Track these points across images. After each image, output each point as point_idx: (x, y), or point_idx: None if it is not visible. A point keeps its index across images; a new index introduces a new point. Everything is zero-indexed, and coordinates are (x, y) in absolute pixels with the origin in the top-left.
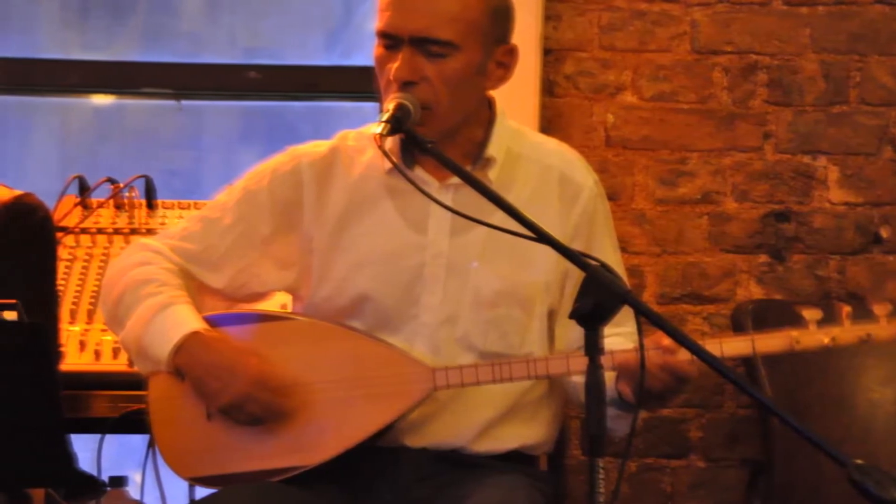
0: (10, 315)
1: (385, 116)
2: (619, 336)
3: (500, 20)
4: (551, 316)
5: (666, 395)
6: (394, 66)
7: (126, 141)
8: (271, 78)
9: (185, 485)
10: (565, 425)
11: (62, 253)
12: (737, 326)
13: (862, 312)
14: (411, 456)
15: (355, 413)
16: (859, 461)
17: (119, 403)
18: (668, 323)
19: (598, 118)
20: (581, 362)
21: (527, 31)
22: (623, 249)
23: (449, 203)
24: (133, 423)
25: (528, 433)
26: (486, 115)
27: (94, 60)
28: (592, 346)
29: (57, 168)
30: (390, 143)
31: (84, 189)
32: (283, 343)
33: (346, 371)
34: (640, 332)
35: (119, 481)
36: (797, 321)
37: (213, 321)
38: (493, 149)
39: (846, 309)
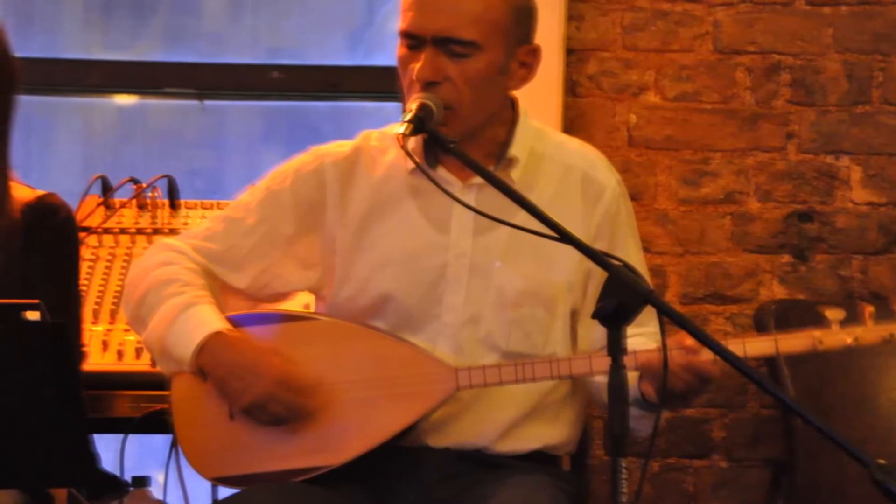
0: (33, 315)
1: (408, 116)
2: (642, 336)
3: (523, 20)
4: (574, 316)
5: (689, 395)
6: (416, 66)
7: (149, 141)
8: (294, 78)
9: (207, 485)
10: (588, 425)
11: (85, 253)
12: (759, 326)
13: (885, 312)
14: (434, 456)
15: (378, 413)
16: (882, 461)
17: (142, 403)
18: (691, 323)
19: (620, 118)
20: (604, 362)
21: (549, 31)
22: (646, 249)
23: (472, 203)
24: (156, 423)
25: (550, 433)
26: (508, 115)
27: (116, 60)
28: (615, 346)
29: (80, 168)
30: (413, 143)
31: (107, 189)
32: (305, 343)
33: (369, 371)
34: (662, 332)
35: (142, 481)
36: (820, 321)
37: (235, 321)
38: (516, 149)
39: (869, 309)
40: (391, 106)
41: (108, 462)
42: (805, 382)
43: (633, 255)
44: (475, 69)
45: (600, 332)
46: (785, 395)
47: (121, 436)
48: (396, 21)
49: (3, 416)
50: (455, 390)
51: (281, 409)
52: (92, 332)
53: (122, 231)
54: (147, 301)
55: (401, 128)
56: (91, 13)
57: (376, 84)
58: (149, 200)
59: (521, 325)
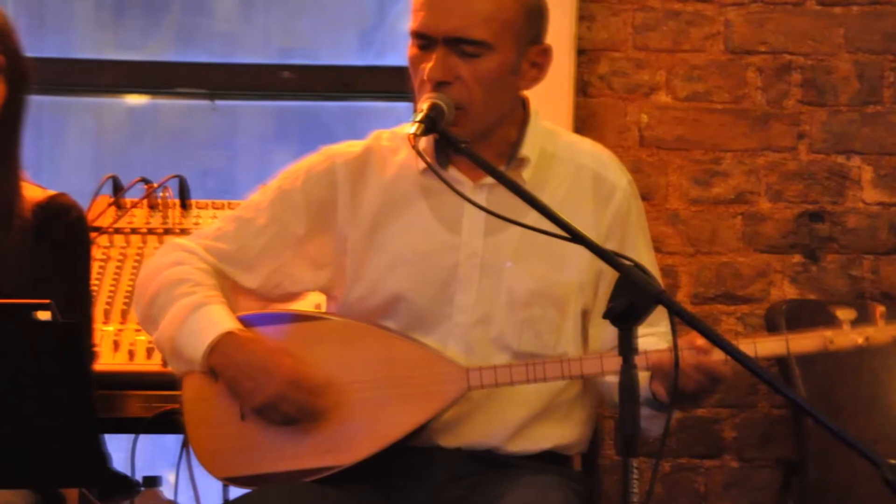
0: (44, 315)
1: (419, 116)
2: (653, 336)
3: (535, 20)
4: (585, 316)
5: (700, 395)
6: (428, 66)
7: (160, 141)
8: (305, 78)
9: (219, 485)
10: (599, 425)
11: (96, 253)
12: (770, 326)
13: None
14: (445, 456)
15: (389, 413)
16: (893, 461)
17: (153, 403)
18: (702, 323)
19: (631, 118)
20: (615, 362)
21: (561, 32)
22: (657, 249)
23: (483, 203)
24: (167, 423)
25: (561, 433)
26: (519, 115)
27: (128, 60)
28: (626, 346)
29: (91, 168)
30: (424, 143)
31: (118, 189)
32: (316, 343)
33: (380, 371)
34: (674, 332)
35: (153, 481)
36: (831, 321)
37: (247, 321)
38: (527, 149)
39: (880, 309)
40: (402, 106)
41: (119, 462)
42: (816, 382)
43: (643, 254)
44: (486, 69)
45: (611, 332)
46: (796, 395)
47: (132, 436)
48: (407, 21)
49: (15, 416)
50: (466, 390)
51: (292, 409)
52: (103, 332)
53: (133, 231)
54: (158, 301)
55: (412, 128)
56: (103, 13)
57: (388, 84)
58: (160, 200)
59: (532, 325)
